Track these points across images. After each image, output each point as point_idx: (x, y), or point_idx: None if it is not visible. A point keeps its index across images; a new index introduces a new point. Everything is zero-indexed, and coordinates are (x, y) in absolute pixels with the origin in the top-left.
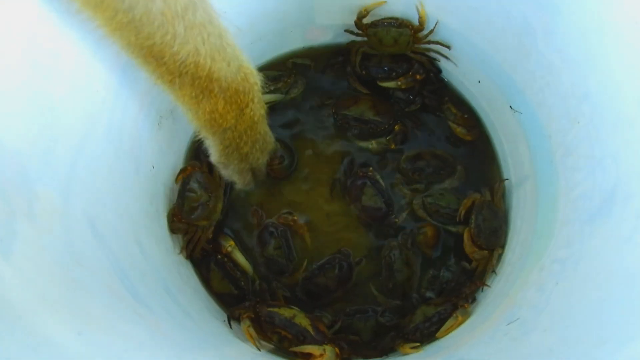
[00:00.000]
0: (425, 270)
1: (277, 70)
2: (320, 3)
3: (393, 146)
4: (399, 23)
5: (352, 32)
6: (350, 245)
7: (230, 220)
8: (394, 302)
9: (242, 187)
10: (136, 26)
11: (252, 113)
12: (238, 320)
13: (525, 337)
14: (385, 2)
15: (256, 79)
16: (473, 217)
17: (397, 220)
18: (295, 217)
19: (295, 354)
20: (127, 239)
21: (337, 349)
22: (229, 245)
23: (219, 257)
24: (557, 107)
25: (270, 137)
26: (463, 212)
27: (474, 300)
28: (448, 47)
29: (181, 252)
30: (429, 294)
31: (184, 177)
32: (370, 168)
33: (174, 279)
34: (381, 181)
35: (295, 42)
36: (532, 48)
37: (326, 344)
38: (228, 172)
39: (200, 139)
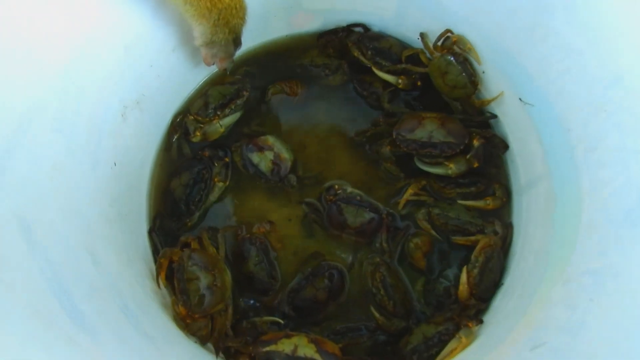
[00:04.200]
0: (417, 281)
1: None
2: None
3: (476, 165)
4: (474, 80)
5: (423, 39)
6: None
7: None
8: (399, 323)
9: (227, 62)
10: None
11: None
12: None
13: None
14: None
15: None
16: (480, 261)
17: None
18: (276, 230)
19: None
20: (75, 247)
21: None
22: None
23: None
24: (579, 96)
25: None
26: (480, 257)
27: (480, 321)
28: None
29: (218, 356)
30: (424, 309)
31: (177, 267)
32: (335, 186)
33: (135, 295)
34: (354, 190)
35: (278, 30)
36: (549, 28)
37: None
38: (213, 51)
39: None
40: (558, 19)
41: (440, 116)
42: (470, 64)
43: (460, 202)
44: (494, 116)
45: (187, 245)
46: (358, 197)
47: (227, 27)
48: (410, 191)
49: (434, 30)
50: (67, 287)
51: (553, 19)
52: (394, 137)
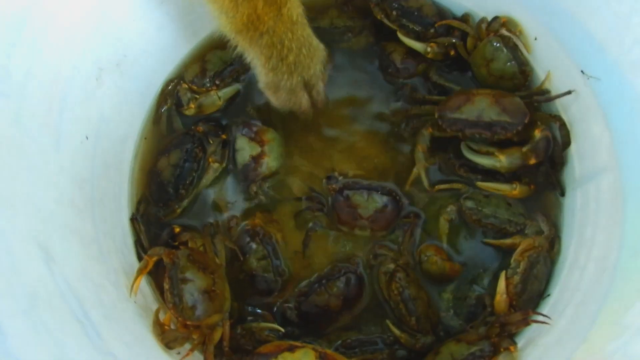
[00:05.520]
0: (445, 288)
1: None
2: None
3: (533, 161)
4: (524, 69)
5: (466, 21)
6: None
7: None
8: (426, 339)
9: (303, 115)
10: None
11: (289, 12)
12: None
13: None
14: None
15: None
16: (522, 267)
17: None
18: (274, 217)
19: None
20: (19, 243)
21: None
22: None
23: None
24: None
25: (316, 42)
26: (523, 262)
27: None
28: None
29: None
30: (453, 322)
31: (169, 264)
32: (335, 173)
33: (102, 298)
34: (362, 181)
35: None
36: None
37: None
38: (281, 97)
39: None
40: None
41: (495, 92)
42: (522, 51)
43: (479, 184)
44: (568, 92)
45: (184, 244)
46: (365, 183)
47: (285, 64)
48: (417, 170)
49: None
50: None
51: None
52: (437, 116)
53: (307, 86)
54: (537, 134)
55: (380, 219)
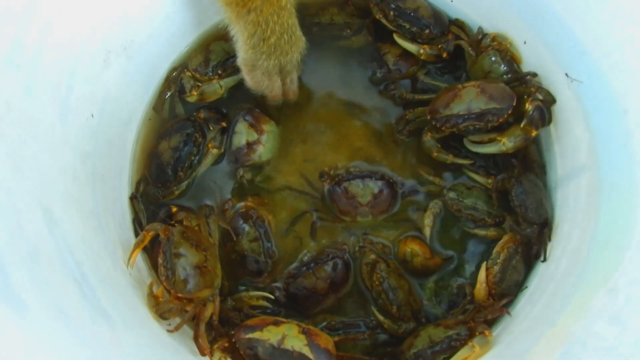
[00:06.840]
0: (428, 278)
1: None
2: None
3: (534, 132)
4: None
5: (464, 31)
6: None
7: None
8: (408, 325)
9: (271, 100)
10: None
11: None
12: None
13: None
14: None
15: None
16: (502, 257)
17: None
18: (266, 201)
19: None
20: (26, 203)
21: None
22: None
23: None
24: None
25: (299, 33)
26: (503, 253)
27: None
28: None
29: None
30: (435, 310)
31: (164, 240)
32: (326, 169)
33: (99, 266)
34: (354, 170)
35: None
36: None
37: None
38: (256, 77)
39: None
40: None
41: (479, 82)
42: (517, 64)
43: (466, 171)
44: (534, 74)
45: (180, 222)
46: (357, 171)
47: (266, 44)
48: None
49: None
50: None
51: None
52: (429, 117)
53: (282, 72)
54: (529, 106)
55: (379, 203)
